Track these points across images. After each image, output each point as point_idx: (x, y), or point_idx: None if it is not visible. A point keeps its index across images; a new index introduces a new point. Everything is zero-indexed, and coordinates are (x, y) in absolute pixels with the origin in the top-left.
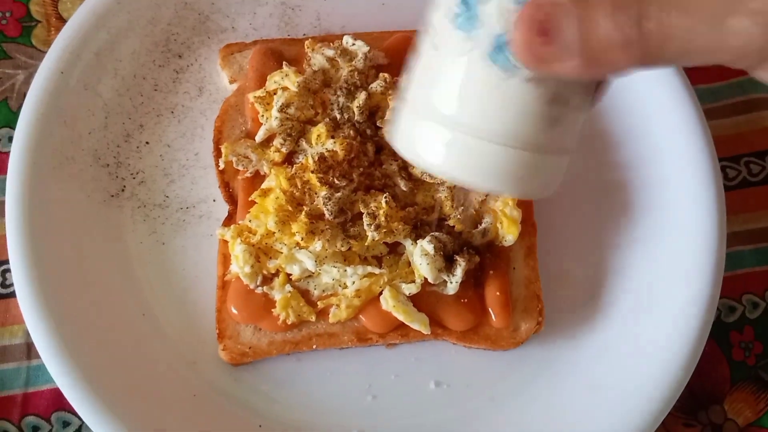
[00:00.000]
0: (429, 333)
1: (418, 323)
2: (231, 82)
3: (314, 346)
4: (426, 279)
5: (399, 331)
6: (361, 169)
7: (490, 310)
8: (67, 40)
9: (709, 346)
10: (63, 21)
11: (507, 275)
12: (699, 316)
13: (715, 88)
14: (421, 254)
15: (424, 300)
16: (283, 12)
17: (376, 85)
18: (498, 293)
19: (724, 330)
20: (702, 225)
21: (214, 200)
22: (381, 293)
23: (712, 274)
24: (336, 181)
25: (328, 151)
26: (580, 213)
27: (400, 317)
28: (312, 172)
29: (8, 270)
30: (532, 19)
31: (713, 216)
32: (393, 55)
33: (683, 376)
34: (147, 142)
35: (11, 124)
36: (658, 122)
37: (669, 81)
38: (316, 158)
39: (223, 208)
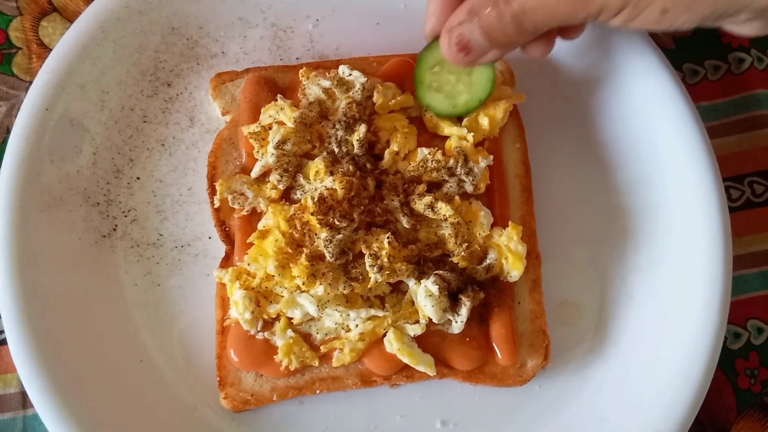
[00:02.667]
0: (435, 374)
1: (424, 365)
2: (224, 114)
3: (318, 391)
4: (430, 319)
5: (404, 372)
6: (362, 207)
7: (495, 347)
8: (50, 74)
9: (716, 375)
10: (44, 47)
11: (512, 311)
12: (707, 347)
13: (717, 105)
14: (425, 295)
15: (429, 340)
16: (274, 34)
17: None
18: (503, 330)
19: (730, 358)
20: (707, 254)
21: (209, 237)
22: (385, 335)
23: (719, 303)
24: (336, 222)
25: (328, 189)
26: (583, 241)
27: (405, 360)
28: (312, 213)
29: None
30: (450, 45)
31: (719, 245)
32: (389, 79)
33: (692, 409)
34: (138, 178)
35: None
36: (660, 145)
37: (672, 101)
38: (316, 199)
39: (219, 246)
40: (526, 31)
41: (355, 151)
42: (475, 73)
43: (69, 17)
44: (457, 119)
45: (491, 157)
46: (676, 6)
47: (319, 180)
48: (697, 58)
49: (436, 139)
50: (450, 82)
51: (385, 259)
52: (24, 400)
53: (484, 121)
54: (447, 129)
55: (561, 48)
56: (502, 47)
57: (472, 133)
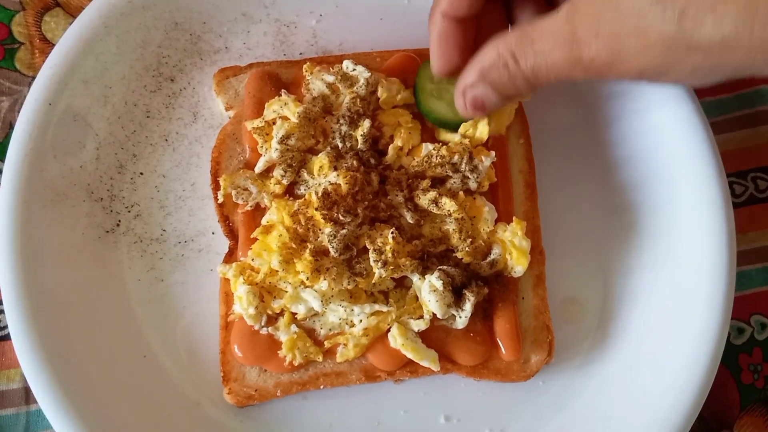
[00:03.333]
0: (439, 370)
1: (428, 360)
2: (227, 109)
3: (322, 386)
4: (434, 314)
5: (408, 367)
6: (366, 203)
7: (499, 342)
8: (53, 69)
9: (720, 370)
10: (47, 42)
11: (516, 306)
12: (710, 342)
13: (721, 101)
14: (429, 290)
15: (433, 335)
16: (277, 30)
17: None
18: (507, 325)
19: (733, 353)
20: (711, 251)
21: (213, 233)
22: (389, 330)
23: (723, 299)
24: (341, 218)
25: (331, 184)
26: (588, 238)
27: (410, 355)
28: (316, 209)
29: (1, 311)
30: (467, 106)
31: (723, 241)
32: (393, 75)
33: (696, 404)
34: (141, 173)
35: None
36: (664, 142)
37: (676, 97)
38: (320, 194)
39: (223, 241)
40: (540, 86)
41: (359, 146)
42: None
43: (72, 12)
44: (454, 129)
45: (493, 153)
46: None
47: (323, 175)
48: None
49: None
50: (450, 91)
51: (389, 255)
52: (27, 396)
53: (482, 129)
54: (444, 135)
55: None
56: (516, 98)
57: (467, 140)
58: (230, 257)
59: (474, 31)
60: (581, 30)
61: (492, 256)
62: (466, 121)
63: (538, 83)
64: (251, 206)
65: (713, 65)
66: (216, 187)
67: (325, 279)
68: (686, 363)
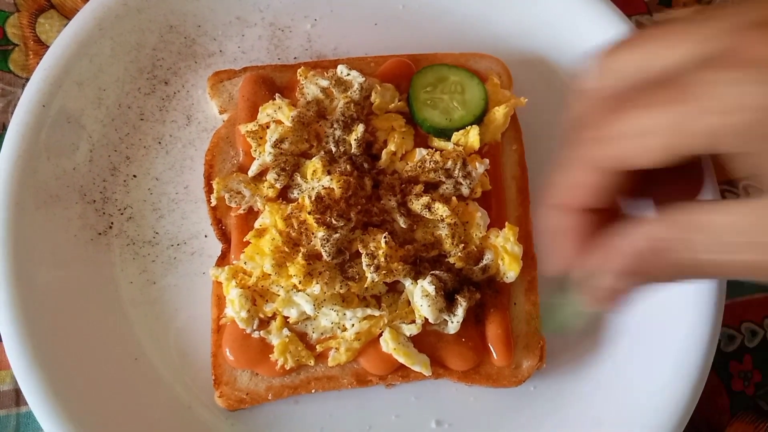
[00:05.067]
0: (431, 374)
1: (420, 365)
2: (221, 113)
3: (313, 390)
4: (426, 319)
5: (399, 372)
6: (359, 207)
7: (491, 347)
8: (47, 70)
9: (710, 376)
10: (41, 44)
11: (508, 312)
12: (701, 349)
13: None
14: (422, 295)
15: (425, 340)
16: (272, 34)
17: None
18: (499, 331)
19: (724, 360)
20: None
21: (205, 236)
22: (381, 335)
23: (714, 306)
24: (334, 222)
25: (325, 188)
26: None
27: (401, 360)
28: (309, 213)
29: None
30: (599, 305)
31: None
32: (387, 80)
33: (686, 411)
34: (134, 176)
35: None
36: None
37: None
38: (313, 198)
39: (215, 244)
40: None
41: (352, 150)
42: (468, 93)
43: (66, 14)
44: (448, 138)
45: (487, 161)
46: None
47: (317, 179)
48: None
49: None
50: (444, 100)
51: (382, 259)
52: (18, 398)
53: (473, 138)
54: (437, 143)
55: (557, 47)
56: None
57: (461, 147)
58: (223, 260)
59: (606, 216)
60: None
61: (484, 262)
62: (458, 130)
63: (717, 274)
64: (244, 210)
65: None
66: (209, 190)
67: (317, 283)
68: (677, 369)
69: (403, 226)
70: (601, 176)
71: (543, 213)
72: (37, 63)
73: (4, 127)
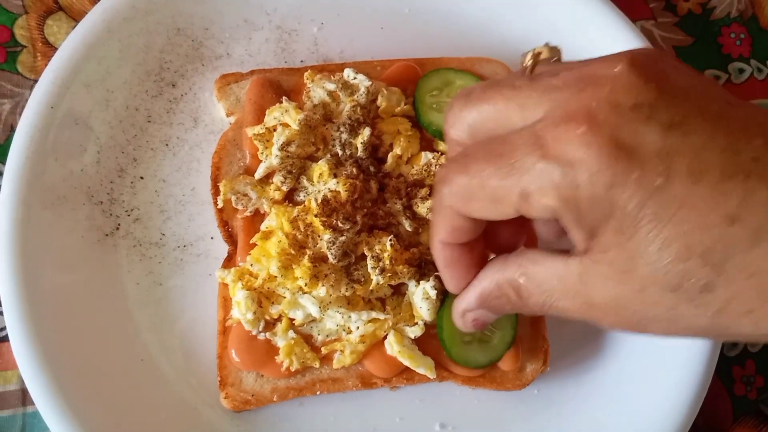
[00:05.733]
0: (435, 377)
1: (424, 368)
2: (228, 115)
3: (318, 392)
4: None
5: (404, 375)
6: (365, 210)
7: None
8: (56, 72)
9: (713, 381)
10: (49, 46)
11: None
12: (704, 354)
13: None
14: (422, 297)
15: (430, 343)
16: (279, 37)
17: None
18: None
19: (726, 365)
20: None
21: (212, 238)
22: (385, 337)
23: None
24: (340, 224)
25: (331, 191)
26: None
27: (406, 362)
28: (315, 215)
29: (0, 313)
30: (466, 325)
31: None
32: (393, 84)
33: (689, 415)
34: (141, 177)
35: None
36: None
37: None
38: (319, 201)
39: (221, 246)
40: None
41: (358, 153)
42: None
43: (74, 16)
44: None
45: None
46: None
47: (323, 182)
48: (697, 68)
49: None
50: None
51: (387, 262)
52: (24, 398)
53: None
54: (443, 146)
55: (563, 53)
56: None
57: None
58: (229, 262)
59: (483, 246)
60: (598, 299)
61: None
62: None
63: (546, 314)
64: (251, 212)
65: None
66: (216, 192)
67: (323, 285)
68: (681, 374)
69: (408, 229)
70: (460, 220)
71: (432, 247)
72: (45, 65)
73: (12, 129)
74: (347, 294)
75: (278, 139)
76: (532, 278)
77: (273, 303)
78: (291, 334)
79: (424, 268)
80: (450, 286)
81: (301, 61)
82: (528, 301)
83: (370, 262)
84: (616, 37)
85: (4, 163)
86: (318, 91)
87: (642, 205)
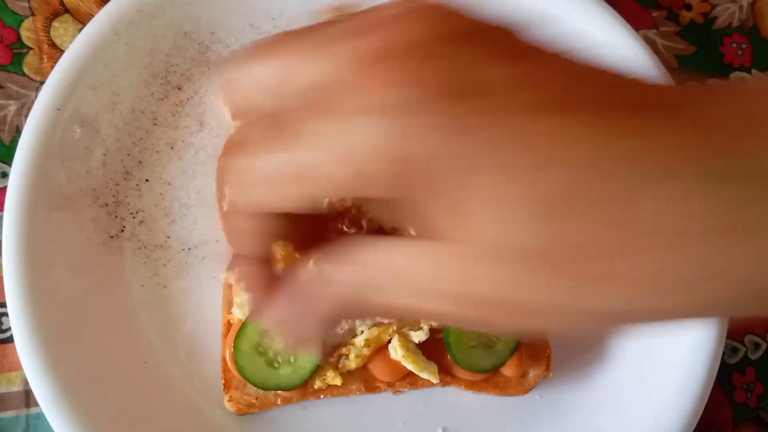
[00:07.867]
0: (438, 382)
1: (428, 373)
2: (233, 119)
3: (322, 396)
4: (434, 325)
5: (407, 379)
6: (370, 214)
7: None
8: (62, 74)
9: (713, 388)
10: (56, 48)
11: None
12: (705, 361)
13: None
14: None
15: (434, 348)
16: None
17: None
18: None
19: (727, 372)
20: None
21: (217, 241)
22: (389, 341)
23: (718, 318)
24: (345, 229)
25: None
26: None
27: (410, 367)
28: None
29: (5, 314)
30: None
31: None
32: None
33: (690, 422)
34: (147, 180)
35: (3, 159)
36: None
37: None
38: (325, 205)
39: (226, 249)
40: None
41: None
42: None
43: (81, 19)
44: None
45: None
46: None
47: None
48: (699, 77)
49: None
50: None
51: None
52: (27, 399)
53: None
54: None
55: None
56: None
57: None
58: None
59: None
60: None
61: None
62: None
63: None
64: None
65: None
66: (221, 195)
67: None
68: (682, 381)
69: (413, 233)
70: (255, 220)
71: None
72: (52, 67)
73: (18, 130)
74: None
75: None
76: (397, 273)
77: None
78: None
79: None
80: (255, 312)
81: None
82: (394, 302)
83: None
84: (618, 46)
85: (9, 164)
86: None
87: None
